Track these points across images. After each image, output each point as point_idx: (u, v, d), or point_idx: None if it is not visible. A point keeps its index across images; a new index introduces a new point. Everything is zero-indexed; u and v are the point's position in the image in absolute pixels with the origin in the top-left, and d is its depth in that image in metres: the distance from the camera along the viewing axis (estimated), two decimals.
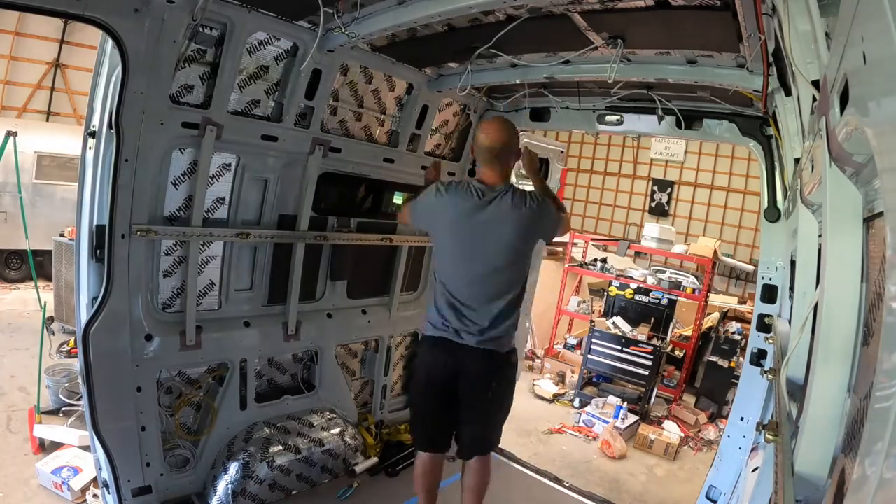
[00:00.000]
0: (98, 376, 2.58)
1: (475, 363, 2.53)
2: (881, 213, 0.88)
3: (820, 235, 1.66)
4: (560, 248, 9.62)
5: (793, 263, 2.53)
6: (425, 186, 2.79)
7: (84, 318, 2.60)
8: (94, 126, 2.63)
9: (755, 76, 2.44)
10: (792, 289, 2.44)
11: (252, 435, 3.27)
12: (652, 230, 9.49)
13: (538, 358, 8.32)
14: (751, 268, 10.84)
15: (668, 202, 16.51)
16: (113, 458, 2.68)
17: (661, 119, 3.31)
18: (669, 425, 6.61)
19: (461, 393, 2.59)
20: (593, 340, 7.07)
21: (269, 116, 3.06)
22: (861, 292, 1.04)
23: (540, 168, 5.01)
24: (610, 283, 8.34)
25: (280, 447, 3.29)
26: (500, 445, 3.01)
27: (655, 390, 7.14)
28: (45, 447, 4.34)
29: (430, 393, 2.68)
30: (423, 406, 2.79)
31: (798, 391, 1.72)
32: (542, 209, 2.55)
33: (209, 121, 2.74)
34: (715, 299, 9.63)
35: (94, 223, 2.61)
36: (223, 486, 3.07)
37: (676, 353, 7.69)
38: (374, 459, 3.77)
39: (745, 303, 10.15)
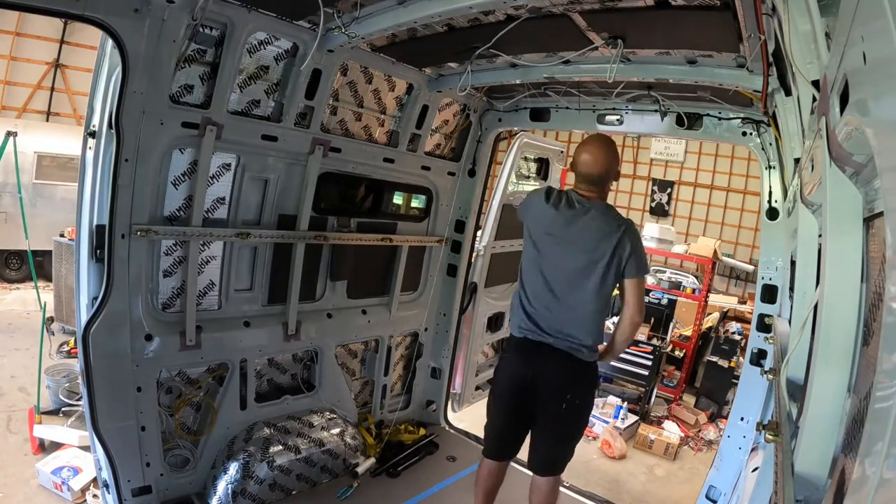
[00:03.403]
0: (98, 376, 2.57)
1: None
2: (881, 213, 0.88)
3: (820, 235, 1.66)
4: None
5: (793, 263, 2.53)
6: None
7: (84, 318, 2.60)
8: (94, 126, 2.63)
9: (755, 76, 2.43)
10: (792, 289, 2.43)
11: (252, 435, 3.27)
12: (652, 230, 9.50)
13: None
14: (751, 268, 10.86)
15: (668, 202, 16.53)
16: (113, 458, 2.68)
17: (663, 115, 3.30)
18: (669, 425, 6.60)
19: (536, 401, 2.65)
20: None
21: (269, 116, 3.06)
22: (861, 292, 1.04)
23: (540, 168, 5.06)
24: None
25: (280, 447, 3.29)
26: None
27: (655, 390, 7.14)
28: (45, 447, 4.34)
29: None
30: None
31: (798, 391, 1.72)
32: (626, 237, 2.47)
33: (209, 121, 2.74)
34: (715, 299, 9.64)
35: (94, 223, 2.61)
36: (223, 486, 3.07)
37: (676, 353, 7.69)
38: (373, 460, 3.76)
39: (745, 303, 10.16)
